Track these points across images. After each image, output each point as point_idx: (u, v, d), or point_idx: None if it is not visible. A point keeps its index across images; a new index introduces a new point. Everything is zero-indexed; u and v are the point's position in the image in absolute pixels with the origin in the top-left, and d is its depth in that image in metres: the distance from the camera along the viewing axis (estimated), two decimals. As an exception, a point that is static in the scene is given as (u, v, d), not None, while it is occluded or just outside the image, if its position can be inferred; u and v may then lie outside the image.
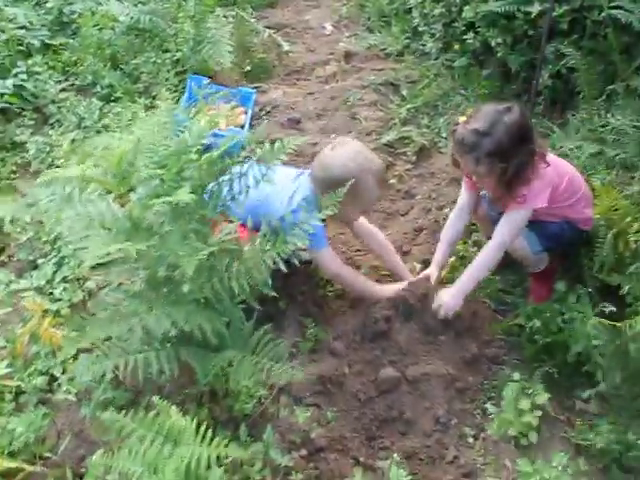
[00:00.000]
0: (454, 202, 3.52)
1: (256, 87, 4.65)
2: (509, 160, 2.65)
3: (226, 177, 2.38)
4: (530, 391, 2.56)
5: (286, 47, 5.11)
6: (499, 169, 2.66)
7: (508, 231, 2.80)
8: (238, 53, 4.88)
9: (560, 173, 2.86)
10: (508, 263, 3.19)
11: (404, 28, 5.27)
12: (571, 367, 2.66)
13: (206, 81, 4.27)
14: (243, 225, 2.43)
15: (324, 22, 5.69)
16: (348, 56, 5.11)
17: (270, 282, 2.31)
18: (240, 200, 2.34)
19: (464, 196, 3.06)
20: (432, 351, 2.74)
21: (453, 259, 3.18)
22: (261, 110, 4.42)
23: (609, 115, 3.54)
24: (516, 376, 2.63)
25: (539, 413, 2.50)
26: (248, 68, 4.89)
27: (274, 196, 2.78)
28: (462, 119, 2.75)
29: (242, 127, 4.10)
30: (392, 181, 3.81)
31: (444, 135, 4.10)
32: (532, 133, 2.72)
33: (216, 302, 2.37)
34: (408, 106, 4.36)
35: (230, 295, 2.32)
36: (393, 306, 2.84)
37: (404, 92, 4.55)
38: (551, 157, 2.82)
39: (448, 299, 2.84)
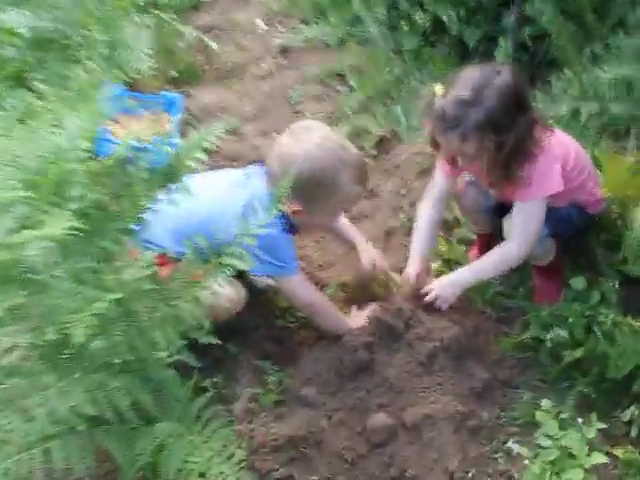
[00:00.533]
0: (428, 197, 2.94)
1: (184, 92, 4.01)
2: (505, 133, 2.05)
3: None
4: (569, 420, 1.95)
5: (215, 47, 4.47)
6: (493, 145, 2.05)
7: (526, 229, 2.21)
8: (161, 58, 4.21)
9: (565, 146, 2.27)
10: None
11: (343, 17, 4.68)
12: (610, 383, 2.06)
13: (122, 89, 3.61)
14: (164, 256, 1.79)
15: (254, 19, 5.07)
16: (285, 51, 4.47)
17: (207, 324, 1.66)
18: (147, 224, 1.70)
19: (440, 184, 2.46)
20: (431, 384, 2.09)
21: (439, 263, 2.56)
22: (191, 116, 3.76)
23: (600, 70, 2.95)
24: (546, 404, 2.01)
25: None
26: (174, 73, 4.22)
27: (218, 213, 2.10)
28: (438, 89, 2.14)
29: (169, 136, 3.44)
30: (351, 180, 3.18)
31: (404, 123, 3.50)
32: (529, 98, 2.13)
33: (137, 363, 1.71)
34: (358, 96, 3.74)
35: (153, 351, 1.66)
36: (373, 331, 2.22)
37: (352, 82, 3.93)
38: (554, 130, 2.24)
39: (440, 290, 2.26)
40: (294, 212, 2.11)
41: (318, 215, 2.21)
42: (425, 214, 2.47)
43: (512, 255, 2.25)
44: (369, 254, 2.52)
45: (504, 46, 3.54)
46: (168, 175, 1.70)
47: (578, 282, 2.24)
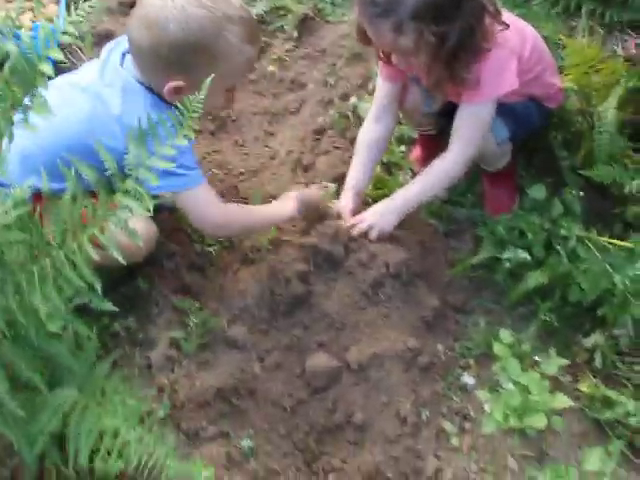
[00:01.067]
0: (360, 86, 2.58)
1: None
2: (448, 22, 1.67)
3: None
4: (528, 351, 1.73)
5: None
6: (434, 38, 1.67)
7: (470, 135, 1.88)
8: None
9: (520, 34, 1.92)
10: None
11: None
12: (574, 307, 1.84)
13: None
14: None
15: None
16: None
17: (99, 284, 1.29)
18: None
19: (382, 89, 2.07)
20: (376, 318, 1.81)
21: (378, 169, 2.23)
22: (79, -6, 3.18)
23: None
24: (504, 336, 1.78)
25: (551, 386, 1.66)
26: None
27: (85, 130, 1.66)
28: None
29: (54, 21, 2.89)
30: (270, 68, 2.74)
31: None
32: None
33: (21, 333, 1.35)
34: (278, -38, 3.24)
35: (37, 318, 1.29)
36: (307, 257, 1.90)
37: (267, -51, 3.41)
38: (505, 14, 1.86)
39: (375, 219, 1.94)
40: (176, 90, 1.68)
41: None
42: (367, 133, 2.09)
43: (457, 166, 1.91)
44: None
45: None
46: (25, 81, 1.27)
47: (538, 191, 1.95)
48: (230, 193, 2.26)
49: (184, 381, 1.73)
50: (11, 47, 1.32)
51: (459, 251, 2.05)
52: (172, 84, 1.67)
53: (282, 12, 2.98)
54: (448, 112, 2.01)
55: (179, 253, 2.00)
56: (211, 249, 2.05)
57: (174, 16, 1.60)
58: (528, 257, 1.85)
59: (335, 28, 2.84)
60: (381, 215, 1.95)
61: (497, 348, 1.75)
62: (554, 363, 1.69)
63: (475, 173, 2.21)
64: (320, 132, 2.44)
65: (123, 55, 1.76)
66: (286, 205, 1.99)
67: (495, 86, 1.83)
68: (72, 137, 1.67)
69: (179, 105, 1.31)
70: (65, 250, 1.30)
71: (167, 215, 2.06)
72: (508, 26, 1.80)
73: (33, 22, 2.82)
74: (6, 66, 1.33)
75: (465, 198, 2.19)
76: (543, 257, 1.87)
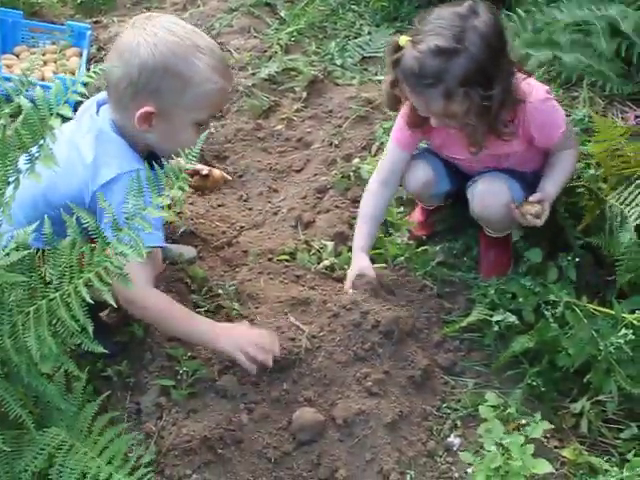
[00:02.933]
0: (364, 148, 2.64)
1: (95, 22, 3.53)
2: (492, 83, 1.76)
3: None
4: (513, 414, 1.74)
5: (129, -31, 3.97)
6: (482, 100, 1.76)
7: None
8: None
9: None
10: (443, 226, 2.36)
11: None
12: (561, 372, 1.85)
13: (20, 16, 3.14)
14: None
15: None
16: (207, -26, 4.03)
17: (91, 328, 1.33)
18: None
19: (394, 154, 2.13)
20: (365, 375, 1.83)
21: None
22: (101, 50, 3.30)
23: (556, 10, 2.64)
24: (490, 398, 1.79)
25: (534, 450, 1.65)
26: (81, -2, 3.74)
27: (61, 175, 1.52)
28: (403, 40, 1.82)
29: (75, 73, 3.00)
30: (278, 127, 2.84)
31: (338, 62, 3.15)
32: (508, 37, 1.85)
33: (14, 371, 1.39)
34: (289, 29, 3.34)
35: (30, 358, 1.33)
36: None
37: (282, 13, 3.53)
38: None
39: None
40: (145, 117, 1.70)
41: (175, 119, 1.72)
42: (375, 197, 2.15)
43: (574, 160, 2.07)
44: None
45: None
46: (35, 133, 1.33)
47: (535, 254, 2.00)
48: (231, 245, 2.31)
49: (171, 428, 1.75)
50: (24, 101, 1.40)
51: (451, 312, 2.07)
52: (142, 110, 1.68)
53: (293, 73, 3.09)
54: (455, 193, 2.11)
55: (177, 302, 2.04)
56: (208, 301, 2.09)
57: (145, 40, 1.66)
58: (517, 321, 1.87)
59: (343, 90, 2.94)
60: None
61: (483, 410, 1.75)
62: (539, 427, 1.69)
63: (473, 237, 2.26)
64: (322, 191, 2.50)
65: (99, 105, 1.81)
66: (219, 337, 1.79)
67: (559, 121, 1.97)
68: (49, 186, 1.60)
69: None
70: (61, 292, 1.35)
71: (167, 266, 2.12)
72: (530, 75, 1.94)
73: (55, 74, 2.95)
74: (19, 118, 1.40)
75: (461, 260, 2.23)
76: (533, 321, 1.89)
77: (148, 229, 1.32)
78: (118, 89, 1.70)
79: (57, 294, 1.33)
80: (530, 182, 2.05)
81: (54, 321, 1.34)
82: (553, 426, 1.73)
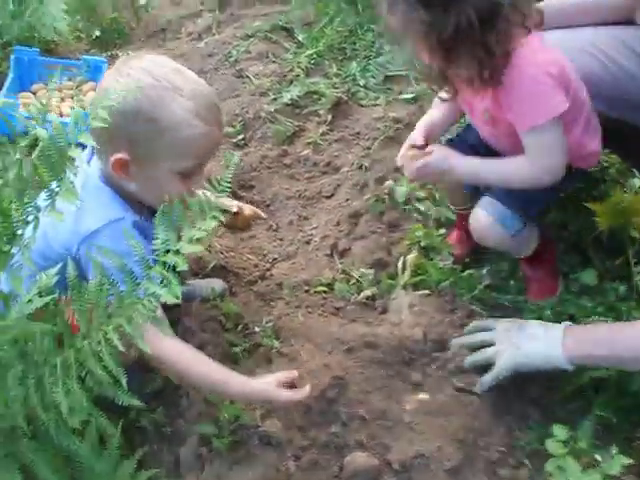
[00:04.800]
0: (396, 169, 2.49)
1: (110, 56, 3.45)
2: (440, 11, 1.53)
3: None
4: (585, 449, 1.57)
5: (143, 1, 3.90)
6: (422, 25, 1.54)
7: (540, 160, 1.69)
8: (81, 15, 3.66)
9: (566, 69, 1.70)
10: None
11: (286, -40, 4.15)
12: (632, 398, 1.68)
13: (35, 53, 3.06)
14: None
15: (189, -27, 4.48)
16: (223, 4, 3.92)
17: (125, 378, 1.20)
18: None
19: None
20: (421, 411, 1.69)
21: (414, 254, 2.13)
22: (118, 83, 3.20)
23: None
24: (558, 432, 1.62)
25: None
26: (97, 33, 3.66)
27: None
28: None
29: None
30: (304, 152, 2.71)
31: (361, 83, 3.03)
32: None
33: (41, 430, 1.25)
34: (308, 52, 3.23)
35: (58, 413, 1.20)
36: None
37: (300, 37, 3.42)
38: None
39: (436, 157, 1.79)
40: (120, 165, 1.54)
41: (153, 168, 1.55)
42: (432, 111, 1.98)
43: (524, 172, 1.72)
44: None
45: None
46: (54, 166, 1.21)
47: (589, 276, 1.84)
48: (264, 279, 2.18)
49: (214, 481, 1.61)
50: (41, 132, 1.28)
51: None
52: (115, 156, 1.53)
53: (316, 96, 2.97)
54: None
55: (211, 342, 1.89)
56: (246, 340, 1.95)
57: (119, 83, 1.50)
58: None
59: (369, 111, 2.80)
60: (440, 159, 1.79)
61: (551, 445, 1.59)
62: (616, 462, 1.53)
63: (516, 259, 2.10)
64: (356, 216, 2.35)
65: (92, 153, 1.67)
66: (256, 388, 1.61)
67: (540, 108, 1.64)
68: (40, 235, 1.38)
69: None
70: (90, 341, 1.22)
71: (199, 303, 1.98)
72: (530, 30, 1.64)
73: (73, 109, 2.85)
74: (36, 151, 1.29)
75: (508, 283, 2.07)
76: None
77: (182, 264, 1.18)
78: (95, 134, 1.48)
79: (85, 342, 1.20)
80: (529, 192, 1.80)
81: (83, 373, 1.21)
82: (632, 460, 1.56)
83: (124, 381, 1.20)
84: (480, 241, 1.90)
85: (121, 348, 1.20)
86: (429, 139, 1.90)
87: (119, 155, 1.53)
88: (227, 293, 2.06)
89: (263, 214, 2.04)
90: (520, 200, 1.81)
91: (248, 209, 2.01)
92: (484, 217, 1.83)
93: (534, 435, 1.69)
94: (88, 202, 1.53)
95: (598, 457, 1.57)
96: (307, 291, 2.11)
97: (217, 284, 2.07)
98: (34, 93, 3.02)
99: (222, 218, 1.28)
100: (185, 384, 1.73)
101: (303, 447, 1.67)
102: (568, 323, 1.69)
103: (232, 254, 2.22)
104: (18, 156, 1.20)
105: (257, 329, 1.97)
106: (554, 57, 1.68)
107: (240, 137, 2.80)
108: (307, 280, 2.14)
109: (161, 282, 1.20)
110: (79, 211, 1.51)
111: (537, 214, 1.91)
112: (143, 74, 1.52)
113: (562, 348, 1.62)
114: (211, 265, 2.15)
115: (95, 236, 1.54)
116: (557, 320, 1.80)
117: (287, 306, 2.05)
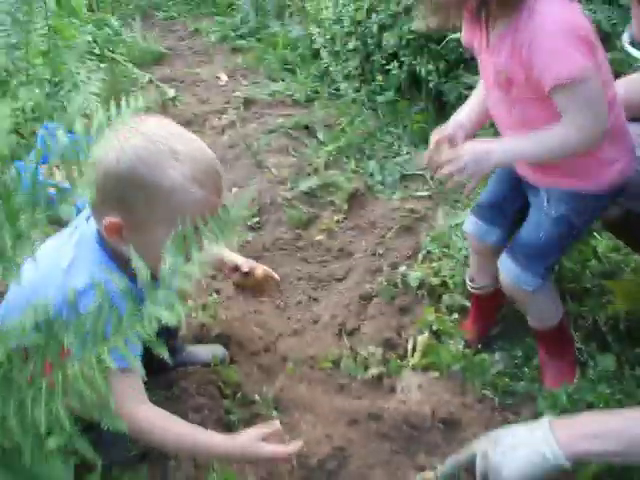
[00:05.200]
0: (409, 257, 2.47)
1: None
2: None
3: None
4: None
5: (172, 94, 4.03)
6: None
7: (577, 115, 1.56)
8: (111, 102, 3.77)
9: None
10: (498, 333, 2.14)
11: (312, 73, 4.32)
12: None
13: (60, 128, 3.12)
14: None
15: (218, 73, 4.67)
16: (248, 103, 4.04)
17: (113, 403, 1.11)
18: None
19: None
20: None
21: (426, 335, 2.06)
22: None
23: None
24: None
25: None
26: (124, 121, 3.77)
27: (39, 283, 1.39)
28: None
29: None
30: (318, 237, 2.70)
31: (378, 178, 3.06)
32: None
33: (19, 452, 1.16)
34: (328, 149, 3.30)
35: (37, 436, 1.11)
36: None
37: (320, 135, 3.50)
38: None
39: (472, 158, 1.63)
40: (113, 228, 1.46)
41: (149, 233, 1.46)
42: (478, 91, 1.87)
43: (571, 138, 1.58)
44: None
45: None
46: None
47: (607, 360, 1.76)
48: (268, 351, 2.10)
49: None
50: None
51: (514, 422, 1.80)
52: (108, 219, 1.45)
53: (332, 189, 2.99)
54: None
55: (207, 407, 1.79)
56: (243, 408, 1.85)
57: (115, 146, 1.43)
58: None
59: (385, 203, 2.81)
60: (480, 156, 1.64)
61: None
62: None
63: (531, 346, 2.02)
64: (367, 298, 2.30)
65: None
66: (234, 439, 1.48)
67: (568, 60, 1.51)
68: (32, 291, 1.34)
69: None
70: (82, 364, 1.15)
71: (198, 368, 1.91)
72: None
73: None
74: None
75: (522, 371, 1.98)
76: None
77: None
78: (96, 207, 1.49)
79: (76, 365, 1.13)
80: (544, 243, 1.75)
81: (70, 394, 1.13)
82: None
83: (112, 404, 1.12)
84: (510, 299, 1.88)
85: (113, 367, 1.12)
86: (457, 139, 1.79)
87: (112, 219, 1.46)
88: (228, 360, 1.98)
89: (276, 275, 1.97)
90: (534, 253, 1.77)
91: (261, 269, 1.94)
92: (503, 278, 1.82)
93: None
94: (80, 260, 1.51)
95: None
96: (312, 367, 2.03)
97: (218, 350, 1.99)
98: (57, 167, 3.06)
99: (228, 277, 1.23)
100: (165, 449, 1.60)
101: (298, 521, 1.54)
102: (547, 418, 1.48)
103: (237, 324, 2.15)
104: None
105: (257, 397, 1.87)
106: (582, 20, 1.57)
107: (255, 220, 2.80)
108: (312, 356, 2.06)
109: (164, 305, 1.14)
110: (69, 268, 1.49)
111: (555, 262, 1.88)
112: (142, 138, 1.44)
113: (557, 445, 1.39)
114: (215, 333, 2.08)
115: (80, 296, 1.46)
116: (574, 407, 1.71)
117: (290, 380, 1.96)
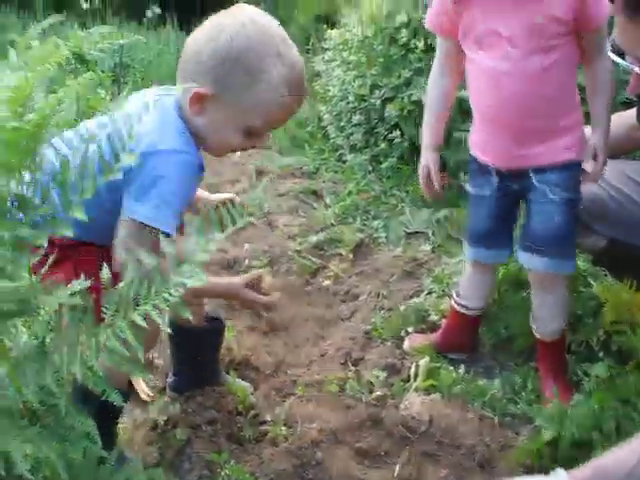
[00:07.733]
0: (412, 296, 2.57)
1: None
2: None
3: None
4: None
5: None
6: None
7: None
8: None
9: None
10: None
11: (320, 148, 4.55)
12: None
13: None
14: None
15: (230, 151, 4.89)
16: (260, 174, 4.24)
17: (142, 353, 1.20)
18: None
19: (441, 47, 1.99)
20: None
21: (428, 359, 2.11)
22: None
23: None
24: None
25: None
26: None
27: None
28: None
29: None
30: (326, 283, 2.80)
31: (383, 235, 3.19)
32: None
33: (52, 417, 1.23)
34: (335, 210, 3.46)
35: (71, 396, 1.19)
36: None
37: (328, 199, 3.67)
38: None
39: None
40: (199, 98, 1.56)
41: (229, 113, 1.57)
42: (434, 88, 2.03)
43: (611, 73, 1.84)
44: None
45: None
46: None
47: (599, 369, 1.82)
48: (279, 377, 2.17)
49: None
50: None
51: (513, 439, 1.85)
52: (199, 90, 1.55)
53: (339, 243, 3.10)
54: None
55: (220, 420, 1.86)
56: (253, 424, 1.90)
57: (230, 27, 1.55)
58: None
59: (389, 253, 2.92)
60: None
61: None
62: None
63: (528, 373, 2.09)
64: (369, 332, 2.38)
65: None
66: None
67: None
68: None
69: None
70: (114, 328, 1.24)
71: (216, 382, 1.98)
72: None
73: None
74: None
75: (521, 395, 2.02)
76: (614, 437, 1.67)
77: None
78: (186, 64, 1.59)
79: (109, 330, 1.22)
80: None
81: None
82: None
83: (141, 355, 1.19)
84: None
85: (145, 325, 1.20)
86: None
87: (202, 89, 1.55)
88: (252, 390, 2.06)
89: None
90: (561, 237, 1.88)
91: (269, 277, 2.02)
92: (538, 272, 1.93)
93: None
94: (164, 125, 1.56)
95: None
96: (319, 390, 2.09)
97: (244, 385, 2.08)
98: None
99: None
100: None
101: (305, 519, 1.57)
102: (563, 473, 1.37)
103: (249, 353, 2.23)
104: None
105: (268, 417, 1.93)
106: None
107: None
108: (319, 380, 2.12)
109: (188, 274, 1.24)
110: (151, 133, 1.51)
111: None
112: (256, 29, 1.56)
113: None
114: (228, 358, 2.16)
115: (160, 155, 1.52)
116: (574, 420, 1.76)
117: (298, 399, 2.02)
